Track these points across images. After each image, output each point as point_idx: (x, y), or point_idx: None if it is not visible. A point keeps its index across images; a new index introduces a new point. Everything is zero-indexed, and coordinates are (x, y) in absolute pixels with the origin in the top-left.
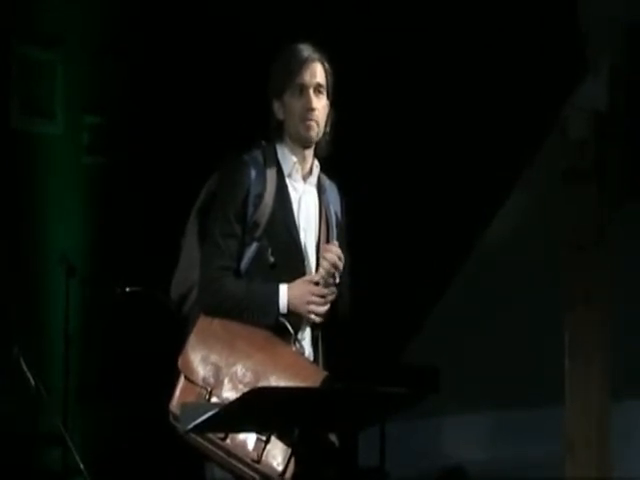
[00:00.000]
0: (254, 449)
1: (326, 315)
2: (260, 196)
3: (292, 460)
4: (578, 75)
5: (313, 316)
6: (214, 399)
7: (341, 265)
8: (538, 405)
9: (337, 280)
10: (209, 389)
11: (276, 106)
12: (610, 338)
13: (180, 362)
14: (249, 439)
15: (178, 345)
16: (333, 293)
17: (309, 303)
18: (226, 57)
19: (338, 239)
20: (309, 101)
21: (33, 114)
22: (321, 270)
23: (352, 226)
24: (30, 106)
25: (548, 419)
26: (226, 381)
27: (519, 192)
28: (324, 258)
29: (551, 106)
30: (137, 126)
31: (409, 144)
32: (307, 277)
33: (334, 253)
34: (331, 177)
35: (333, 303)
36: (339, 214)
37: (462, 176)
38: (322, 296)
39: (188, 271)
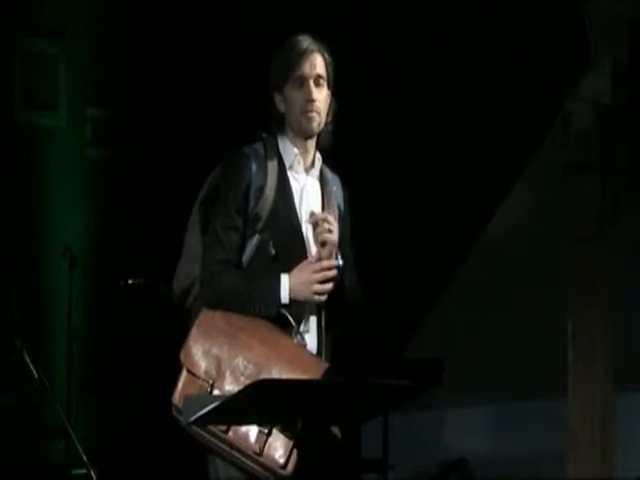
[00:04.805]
0: (256, 442)
1: (331, 302)
2: (261, 189)
3: (294, 452)
4: (581, 69)
5: (317, 297)
6: (216, 392)
7: (326, 226)
8: (538, 398)
9: (339, 259)
10: (211, 382)
11: (277, 99)
12: (613, 332)
13: (182, 355)
14: (251, 432)
15: (181, 338)
16: (334, 267)
17: (313, 282)
18: (228, 51)
19: (343, 231)
20: (309, 92)
21: (36, 106)
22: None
23: (353, 220)
24: (33, 98)
25: (548, 412)
26: (228, 374)
27: (521, 187)
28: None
29: (553, 100)
30: (140, 119)
31: (411, 141)
32: (305, 262)
33: (319, 217)
34: (333, 170)
35: (338, 295)
36: (342, 206)
37: (464, 171)
38: (325, 270)
39: (190, 264)
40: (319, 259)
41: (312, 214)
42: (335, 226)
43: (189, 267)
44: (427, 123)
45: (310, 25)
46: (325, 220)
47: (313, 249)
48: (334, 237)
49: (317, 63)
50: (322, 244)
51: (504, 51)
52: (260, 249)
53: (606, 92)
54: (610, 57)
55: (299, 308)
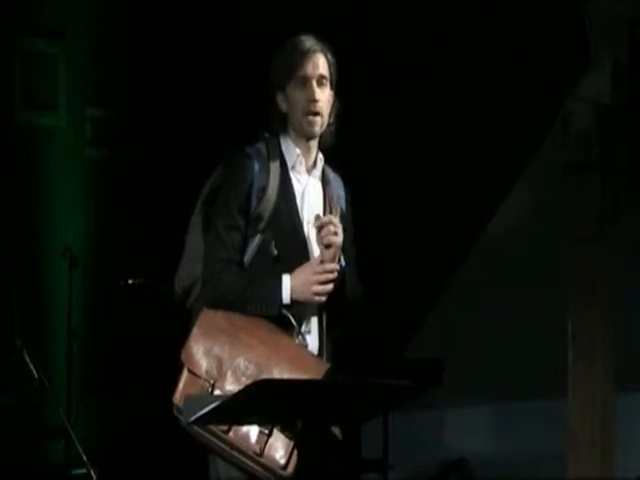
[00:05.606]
0: (257, 442)
1: (332, 302)
2: (263, 189)
3: (295, 453)
4: (581, 69)
5: (317, 298)
6: (217, 392)
7: (331, 229)
8: (538, 398)
9: (341, 260)
10: (212, 382)
11: (279, 99)
12: (613, 332)
13: (183, 355)
14: (252, 432)
15: (181, 338)
16: (335, 270)
17: (313, 283)
18: (230, 50)
19: (344, 231)
20: (312, 93)
21: (36, 106)
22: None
23: (354, 220)
24: (33, 98)
25: (548, 412)
26: (229, 374)
27: (521, 187)
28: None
29: (553, 100)
30: (140, 119)
31: (411, 141)
32: (307, 263)
33: (324, 220)
34: (335, 170)
35: (339, 295)
36: (344, 206)
37: (464, 171)
38: (327, 272)
39: (192, 264)
40: (322, 261)
41: (317, 217)
42: (340, 229)
43: (190, 267)
44: (427, 123)
45: (310, 25)
46: (330, 223)
47: (315, 249)
48: (339, 240)
49: (320, 63)
50: (326, 246)
51: (504, 51)
52: (262, 249)
53: (606, 92)
54: (610, 57)
55: (300, 309)
